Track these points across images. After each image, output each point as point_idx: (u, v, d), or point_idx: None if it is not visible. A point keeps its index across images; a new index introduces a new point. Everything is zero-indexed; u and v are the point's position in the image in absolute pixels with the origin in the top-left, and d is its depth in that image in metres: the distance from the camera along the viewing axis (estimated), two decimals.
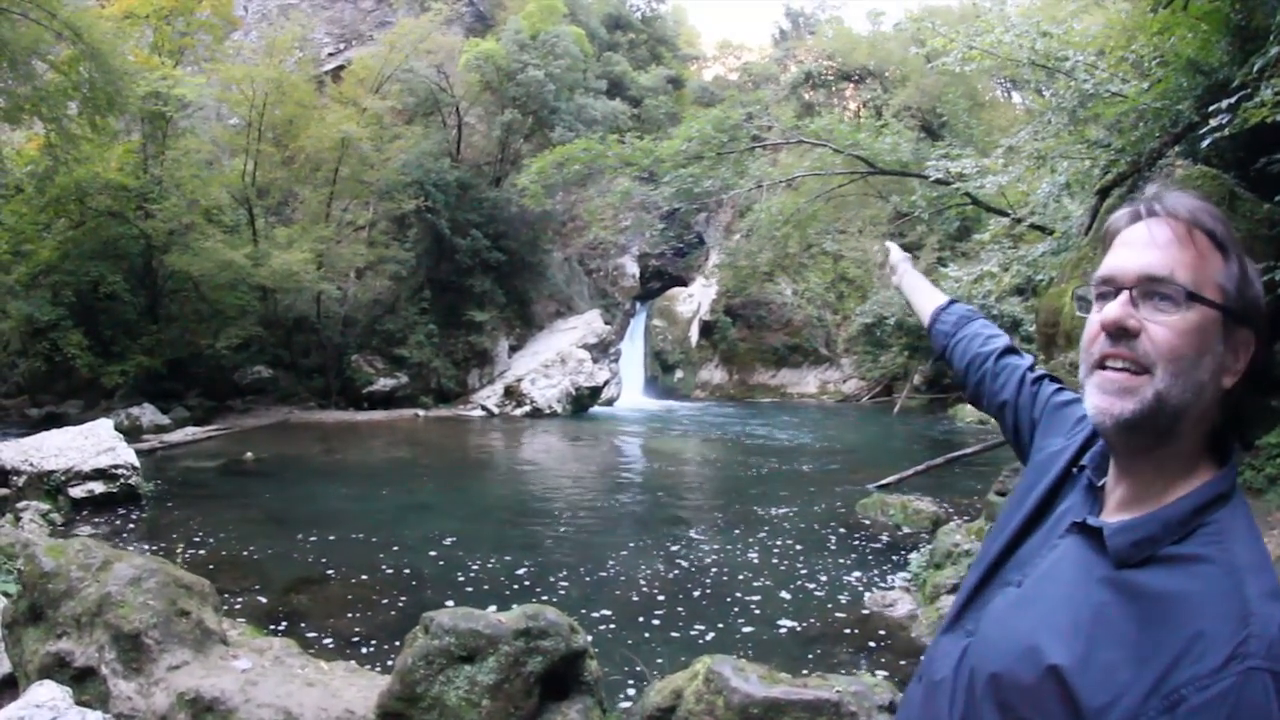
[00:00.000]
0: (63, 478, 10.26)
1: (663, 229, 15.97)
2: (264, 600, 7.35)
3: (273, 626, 6.50)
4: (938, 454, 14.22)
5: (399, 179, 24.87)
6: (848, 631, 6.88)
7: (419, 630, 3.61)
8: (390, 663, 5.91)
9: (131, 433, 17.94)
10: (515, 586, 7.93)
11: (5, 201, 20.84)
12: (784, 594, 7.84)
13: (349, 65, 27.98)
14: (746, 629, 6.91)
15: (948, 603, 6.90)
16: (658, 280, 35.92)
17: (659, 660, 5.94)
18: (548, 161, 15.07)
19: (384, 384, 24.55)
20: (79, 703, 3.27)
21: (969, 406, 25.61)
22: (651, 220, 15.88)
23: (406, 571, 8.39)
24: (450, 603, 6.92)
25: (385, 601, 7.44)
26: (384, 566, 8.53)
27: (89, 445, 10.63)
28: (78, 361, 19.66)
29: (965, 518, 10.55)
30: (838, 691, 3.33)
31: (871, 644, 6.62)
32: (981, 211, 14.94)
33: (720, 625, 6.98)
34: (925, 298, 1.97)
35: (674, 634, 6.78)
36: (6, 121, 18.21)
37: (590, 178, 17.55)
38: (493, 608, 4.08)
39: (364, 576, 8.13)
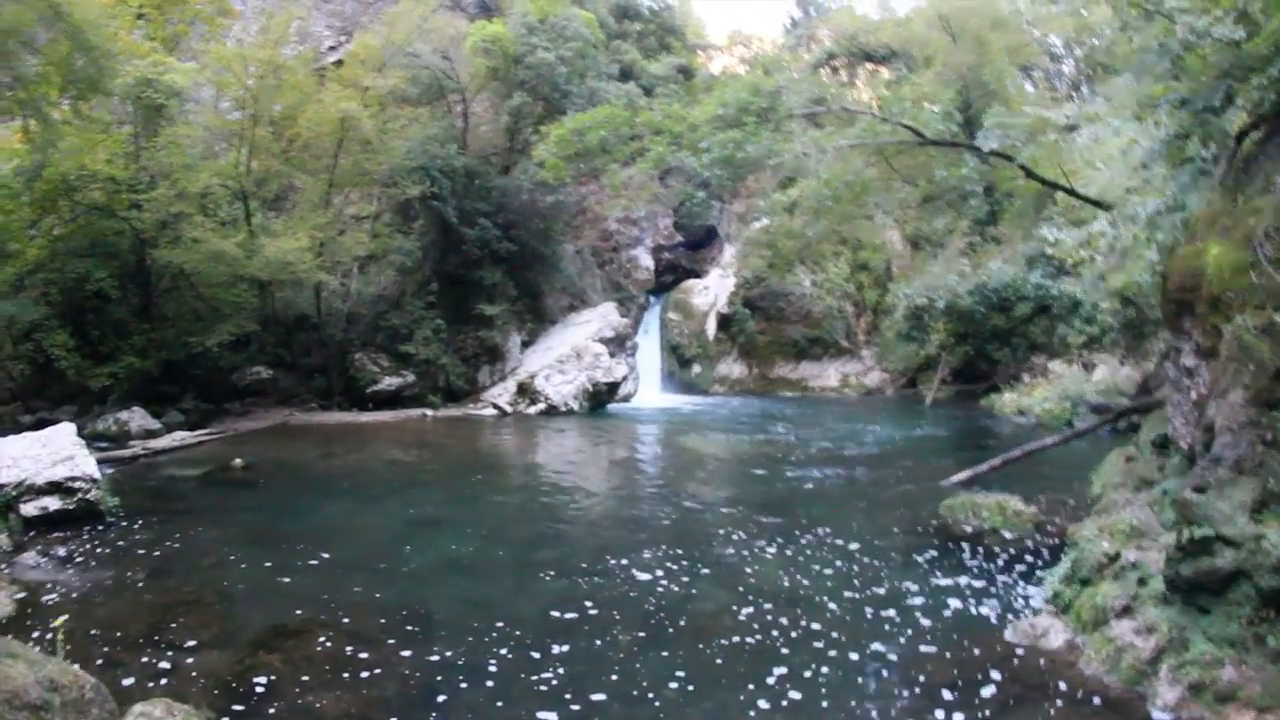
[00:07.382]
0: (14, 493, 8.81)
1: (701, 197, 14.54)
2: (224, 661, 5.71)
3: (227, 707, 4.94)
4: (994, 446, 12.71)
5: (403, 164, 23.41)
6: (995, 676, 5.33)
7: None
8: None
9: (118, 438, 16.77)
10: (548, 633, 6.32)
11: None
12: (892, 626, 6.30)
13: (349, 50, 26.56)
14: (859, 680, 5.37)
15: (1120, 630, 5.24)
16: (671, 273, 34.73)
17: None
18: (567, 130, 13.60)
19: (389, 383, 23.07)
20: None
21: (1005, 397, 24.46)
22: (689, 189, 14.47)
23: (410, 615, 6.74)
24: (463, 689, 5.32)
25: (381, 663, 5.73)
26: (382, 608, 6.87)
27: (45, 454, 9.15)
28: (63, 363, 18.39)
29: (1062, 517, 9.08)
30: None
31: (1035, 693, 5.06)
32: (1010, 195, 13.51)
33: (823, 680, 5.41)
34: None
35: (767, 695, 5.21)
36: None
37: (603, 170, 16.18)
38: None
39: (356, 623, 6.47)
